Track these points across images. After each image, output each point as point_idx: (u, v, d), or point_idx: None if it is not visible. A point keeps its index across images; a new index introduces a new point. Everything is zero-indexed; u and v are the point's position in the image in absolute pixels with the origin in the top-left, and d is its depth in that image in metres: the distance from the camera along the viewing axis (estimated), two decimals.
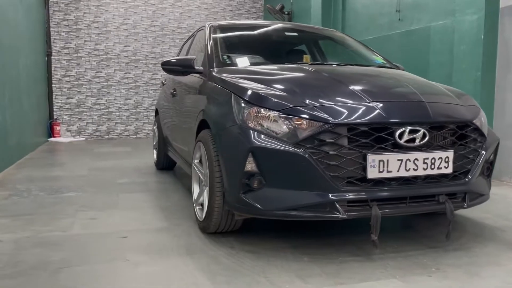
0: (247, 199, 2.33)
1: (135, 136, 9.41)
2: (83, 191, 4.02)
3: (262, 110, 2.36)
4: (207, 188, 2.71)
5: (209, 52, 3.32)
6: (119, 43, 9.18)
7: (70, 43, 8.87)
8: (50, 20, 8.65)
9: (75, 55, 8.91)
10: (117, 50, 9.18)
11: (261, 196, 2.32)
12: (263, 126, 2.33)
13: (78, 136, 8.97)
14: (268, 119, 2.33)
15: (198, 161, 2.98)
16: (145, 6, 9.30)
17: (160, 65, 9.46)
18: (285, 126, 2.29)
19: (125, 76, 9.28)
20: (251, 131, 2.33)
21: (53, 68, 8.74)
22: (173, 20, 9.55)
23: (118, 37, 9.17)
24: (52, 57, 8.70)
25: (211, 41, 3.44)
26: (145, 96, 9.45)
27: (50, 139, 8.39)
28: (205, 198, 2.73)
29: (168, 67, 3.32)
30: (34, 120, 7.18)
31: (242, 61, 3.32)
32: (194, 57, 3.29)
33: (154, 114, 9.50)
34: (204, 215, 2.71)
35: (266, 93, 2.44)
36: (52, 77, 8.72)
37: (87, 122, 9.08)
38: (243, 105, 2.43)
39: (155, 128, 5.43)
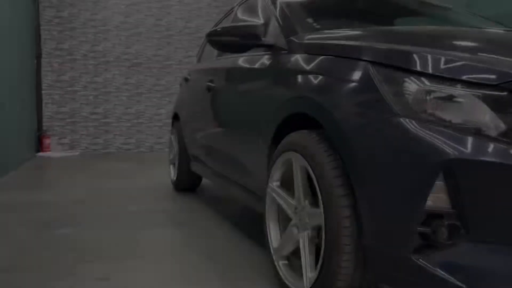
0: (426, 265, 1.17)
1: (136, 150, 8.21)
2: (82, 226, 2.82)
3: (448, 87, 1.21)
4: (304, 233, 1.56)
5: (281, 15, 2.18)
6: (119, 45, 8.02)
7: (63, 43, 7.69)
8: (40, 18, 7.50)
9: (69, 57, 7.73)
10: (116, 52, 8.02)
11: (459, 261, 1.16)
12: (454, 120, 1.18)
13: (71, 151, 7.74)
14: (462, 104, 1.19)
15: (278, 183, 1.82)
16: (149, 3, 8.18)
17: (164, 68, 8.39)
18: (499, 121, 1.15)
19: (126, 82, 8.11)
20: (435, 129, 1.18)
21: (43, 72, 7.55)
22: (180, 19, 8.43)
23: (118, 38, 8.02)
24: (42, 59, 7.52)
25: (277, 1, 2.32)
26: (148, 105, 8.27)
27: (38, 154, 7.17)
28: (305, 251, 1.56)
29: (218, 39, 2.18)
30: (20, 131, 5.97)
31: (342, 24, 2.17)
32: (259, 21, 2.16)
33: (169, 121, 8.33)
34: (308, 283, 1.53)
35: (449, 59, 1.28)
36: (42, 83, 7.53)
37: (81, 134, 7.86)
38: (406, 80, 1.27)
39: (173, 138, 4.26)
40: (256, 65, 2.20)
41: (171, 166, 4.30)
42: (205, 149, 3.14)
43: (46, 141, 7.40)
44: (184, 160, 3.87)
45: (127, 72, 8.10)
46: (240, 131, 2.33)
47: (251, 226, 2.91)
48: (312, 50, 1.74)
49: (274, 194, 1.82)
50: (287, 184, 1.80)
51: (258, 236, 2.61)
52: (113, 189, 4.15)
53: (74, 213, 3.17)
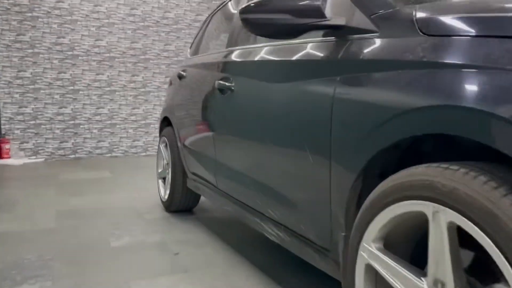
0: None
1: (109, 155, 7.36)
2: (54, 276, 2.07)
3: None
4: None
5: None
6: (88, 37, 7.14)
7: (24, 35, 6.75)
8: None
9: (31, 51, 6.80)
10: (86, 45, 7.13)
11: None
12: None
13: (34, 157, 6.83)
14: None
15: (381, 245, 1.14)
16: None
17: (141, 63, 7.55)
18: None
19: (97, 79, 7.24)
20: None
21: (0, 68, 6.60)
22: (157, 8, 7.61)
23: (87, 29, 7.13)
24: None
25: None
26: (123, 104, 7.43)
27: None
28: None
29: (257, 17, 1.47)
30: None
31: None
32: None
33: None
34: None
35: None
36: (0, 80, 6.59)
37: (46, 138, 6.96)
38: None
39: (162, 147, 3.51)
40: (319, 57, 1.50)
41: (160, 182, 3.56)
42: (216, 168, 2.42)
43: (5, 147, 6.46)
44: (179, 175, 3.14)
45: (98, 68, 7.23)
46: (288, 152, 1.62)
47: (282, 265, 2.22)
48: (443, 30, 1.06)
49: (373, 262, 1.14)
50: (394, 245, 1.13)
51: (296, 280, 1.94)
52: (89, 211, 3.37)
53: (42, 253, 2.40)
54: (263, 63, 1.88)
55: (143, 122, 7.59)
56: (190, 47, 3.48)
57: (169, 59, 7.72)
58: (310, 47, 1.55)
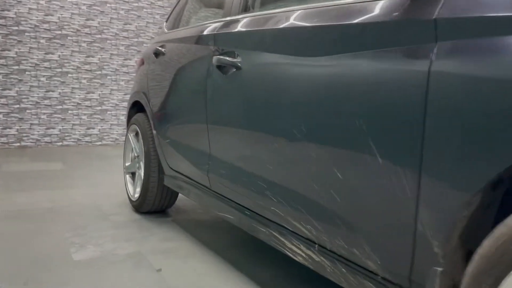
0: None
1: (60, 144, 6.65)
2: None
3: None
4: None
5: None
6: (37, 11, 6.37)
7: None
8: None
9: None
10: (34, 20, 6.36)
11: None
12: None
13: None
14: None
15: None
16: None
17: (97, 43, 6.85)
18: None
19: (46, 58, 6.49)
20: None
21: None
22: None
23: (36, 2, 6.36)
24: None
25: None
26: (76, 87, 6.73)
27: None
28: None
29: None
30: None
31: None
32: None
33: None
34: None
35: None
36: None
37: None
38: None
39: (131, 137, 3.00)
40: (392, 18, 1.08)
41: (128, 177, 3.04)
42: (210, 165, 1.97)
43: None
44: (154, 171, 2.65)
45: (47, 46, 6.47)
46: (338, 149, 1.19)
47: (289, 281, 1.82)
48: None
49: None
50: None
51: None
52: (41, 211, 2.81)
53: None
54: (292, 30, 1.43)
55: (99, 108, 6.92)
56: (167, 21, 2.98)
57: (128, 40, 7.07)
58: (374, 5, 1.14)
